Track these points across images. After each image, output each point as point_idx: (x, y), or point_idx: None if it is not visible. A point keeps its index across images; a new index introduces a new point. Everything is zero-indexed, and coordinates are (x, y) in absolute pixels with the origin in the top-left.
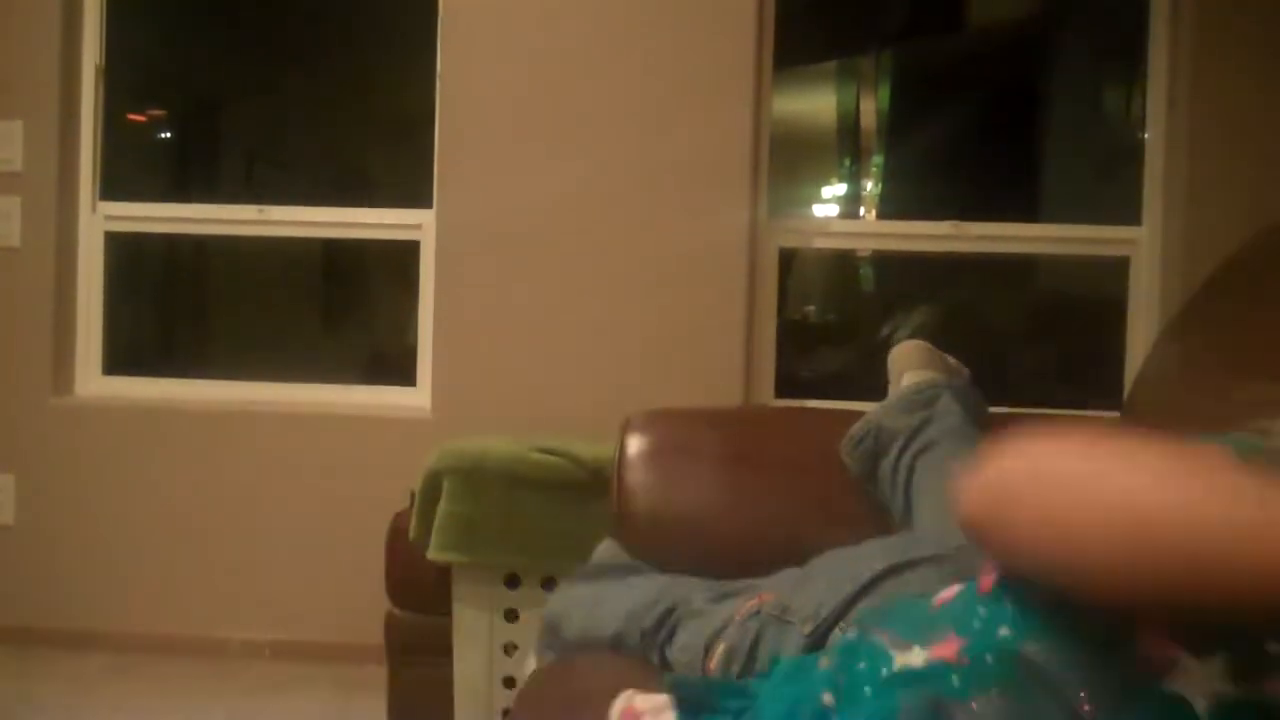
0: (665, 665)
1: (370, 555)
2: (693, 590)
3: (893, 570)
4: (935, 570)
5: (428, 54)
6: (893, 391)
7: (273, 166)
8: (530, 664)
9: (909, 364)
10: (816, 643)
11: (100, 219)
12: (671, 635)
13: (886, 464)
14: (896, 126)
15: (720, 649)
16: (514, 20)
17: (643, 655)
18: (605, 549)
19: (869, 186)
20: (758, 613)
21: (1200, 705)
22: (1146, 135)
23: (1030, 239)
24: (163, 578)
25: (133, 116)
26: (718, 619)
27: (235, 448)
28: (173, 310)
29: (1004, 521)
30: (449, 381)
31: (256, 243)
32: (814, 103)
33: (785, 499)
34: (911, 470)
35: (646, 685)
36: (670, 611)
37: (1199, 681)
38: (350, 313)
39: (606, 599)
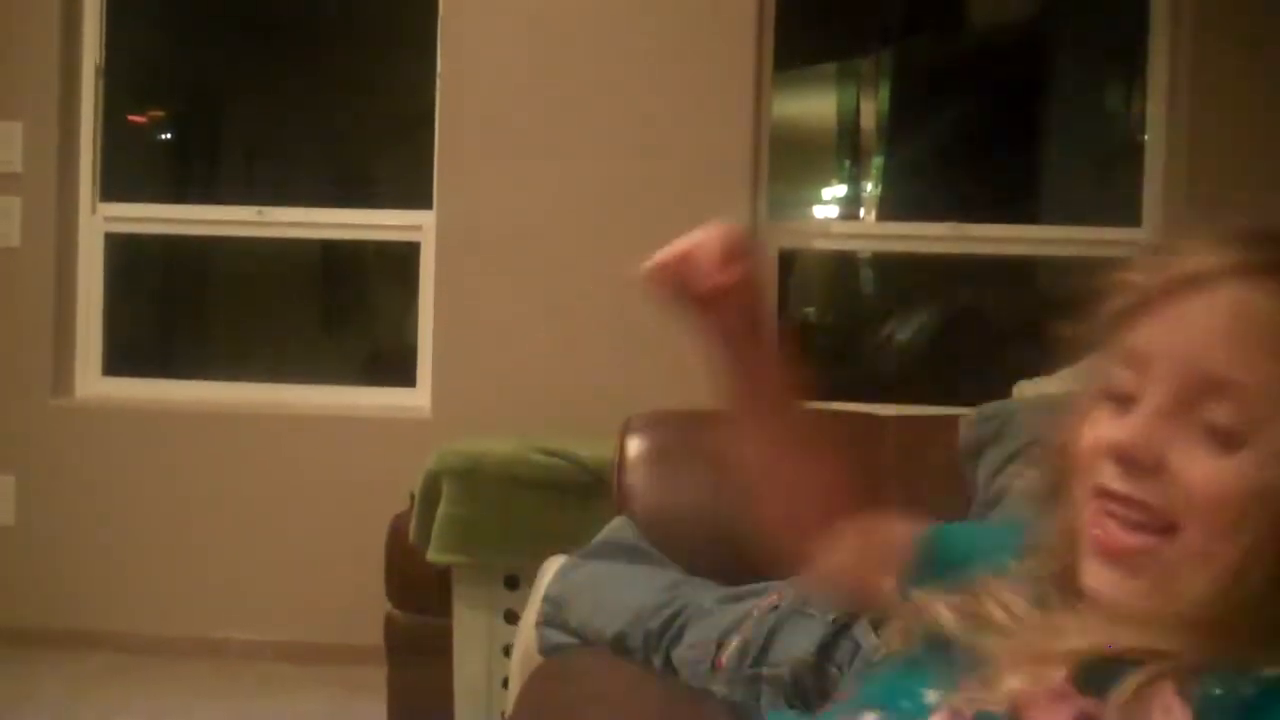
0: (668, 667)
1: (370, 556)
2: (702, 593)
3: None
4: None
5: (428, 54)
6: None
7: (273, 167)
8: (529, 640)
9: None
10: (840, 631)
11: (100, 220)
12: (679, 636)
13: (998, 453)
14: (896, 127)
15: (734, 643)
16: (514, 21)
17: (644, 657)
18: (616, 527)
19: (869, 188)
20: (776, 608)
21: None
22: (1146, 136)
23: (1030, 240)
24: (163, 578)
25: (132, 117)
26: (730, 617)
27: (235, 449)
28: (172, 311)
29: None
30: (449, 382)
31: (256, 244)
32: (814, 103)
33: None
34: (1020, 473)
35: (642, 690)
36: (678, 615)
37: None
38: (350, 314)
39: (613, 589)
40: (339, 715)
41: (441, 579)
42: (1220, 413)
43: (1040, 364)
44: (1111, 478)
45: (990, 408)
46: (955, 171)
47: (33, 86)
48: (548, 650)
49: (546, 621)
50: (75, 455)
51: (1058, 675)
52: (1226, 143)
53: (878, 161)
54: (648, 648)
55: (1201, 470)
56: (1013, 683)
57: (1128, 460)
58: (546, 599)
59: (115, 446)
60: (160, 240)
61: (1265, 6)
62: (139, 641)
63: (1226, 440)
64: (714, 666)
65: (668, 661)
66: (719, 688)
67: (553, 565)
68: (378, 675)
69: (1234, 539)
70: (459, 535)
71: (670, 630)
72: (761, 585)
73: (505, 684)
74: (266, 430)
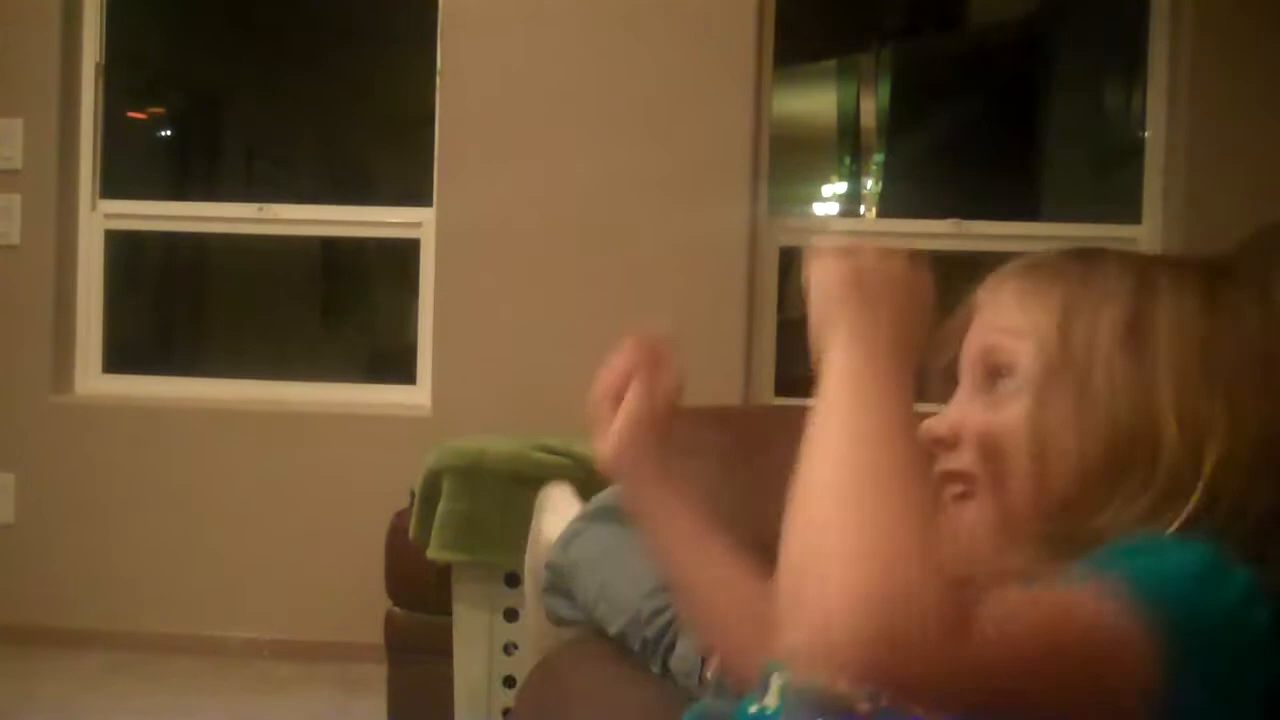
0: (666, 673)
1: (370, 554)
2: None
3: None
4: None
5: (428, 54)
6: None
7: (273, 165)
8: (533, 614)
9: None
10: None
11: (100, 217)
12: (672, 646)
13: None
14: (897, 125)
15: (716, 660)
16: (514, 20)
17: (643, 660)
18: (613, 491)
19: (869, 185)
20: None
21: None
22: (1147, 134)
23: (1031, 238)
24: (163, 576)
25: (133, 114)
26: None
27: (235, 446)
28: (172, 308)
29: None
30: (449, 380)
31: (256, 241)
32: (814, 101)
33: (785, 499)
34: None
35: (643, 690)
36: (671, 623)
37: None
38: (350, 311)
39: (613, 571)
40: (339, 713)
41: (442, 577)
42: (995, 366)
43: None
44: (939, 463)
45: None
46: (956, 168)
47: (33, 83)
48: (555, 620)
49: (549, 590)
50: (75, 453)
51: None
52: (1226, 141)
53: (878, 158)
54: (646, 654)
55: (977, 416)
56: None
57: (937, 444)
58: (550, 567)
59: (115, 444)
60: (160, 237)
61: (1265, 6)
62: (138, 640)
63: (999, 387)
64: (700, 680)
65: (665, 668)
66: (708, 700)
67: (551, 493)
68: (378, 673)
69: (1014, 468)
70: (459, 533)
71: (664, 639)
72: None
73: (505, 682)
74: (266, 428)
